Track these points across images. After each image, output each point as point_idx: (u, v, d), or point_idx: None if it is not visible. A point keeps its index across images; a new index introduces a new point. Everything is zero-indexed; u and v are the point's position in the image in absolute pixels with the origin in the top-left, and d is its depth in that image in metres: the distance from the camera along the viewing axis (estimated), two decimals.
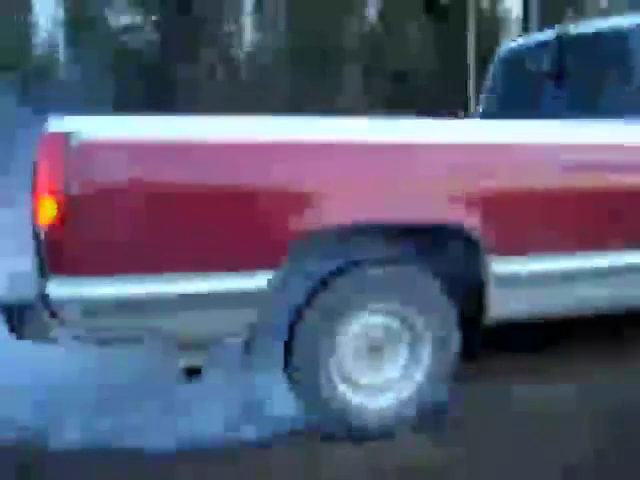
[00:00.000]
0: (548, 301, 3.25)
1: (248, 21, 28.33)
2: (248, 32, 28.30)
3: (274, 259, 2.71)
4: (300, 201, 2.76)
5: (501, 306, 3.09)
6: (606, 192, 3.29)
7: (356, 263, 2.92)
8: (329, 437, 2.91)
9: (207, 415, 3.08)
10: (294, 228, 2.73)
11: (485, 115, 4.79)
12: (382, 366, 3.01)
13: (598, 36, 4.01)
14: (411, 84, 22.74)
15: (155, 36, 25.09)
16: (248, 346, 2.86)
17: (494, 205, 3.01)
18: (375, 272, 2.92)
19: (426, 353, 3.01)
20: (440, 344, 3.01)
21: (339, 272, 2.89)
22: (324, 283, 2.87)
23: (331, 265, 2.90)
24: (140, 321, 2.65)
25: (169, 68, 22.11)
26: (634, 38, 3.68)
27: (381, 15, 25.17)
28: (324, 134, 2.82)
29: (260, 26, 27.38)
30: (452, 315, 3.02)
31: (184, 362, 2.80)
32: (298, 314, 2.86)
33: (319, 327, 2.84)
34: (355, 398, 2.96)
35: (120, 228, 2.58)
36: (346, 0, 24.17)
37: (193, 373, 2.85)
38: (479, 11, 26.27)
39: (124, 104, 15.38)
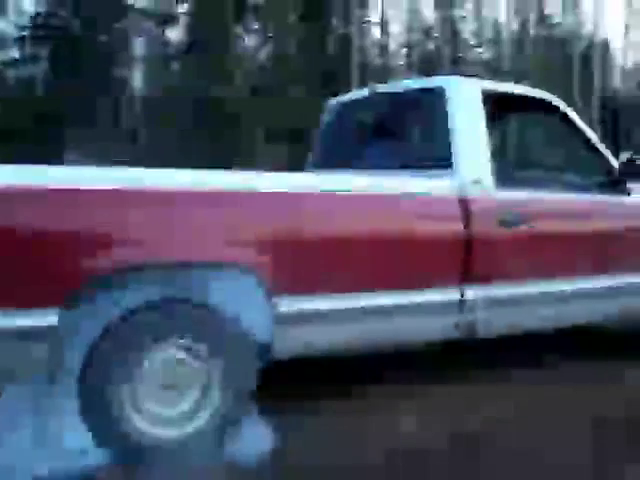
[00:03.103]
0: (331, 337, 3.49)
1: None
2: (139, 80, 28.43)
3: (65, 297, 2.83)
4: (90, 243, 2.91)
5: (284, 342, 3.29)
6: (373, 239, 3.58)
7: (147, 301, 3.05)
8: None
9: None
10: (86, 268, 2.87)
11: (313, 166, 5.07)
12: (175, 399, 3.12)
13: (389, 96, 4.40)
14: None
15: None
16: (51, 378, 2.94)
17: (273, 247, 3.24)
18: (165, 310, 3.08)
19: (216, 387, 3.15)
20: (231, 379, 3.15)
21: (131, 310, 3.01)
22: (119, 319, 2.99)
23: (124, 303, 3.02)
24: None
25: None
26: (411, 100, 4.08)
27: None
28: (111, 183, 2.99)
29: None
30: (245, 351, 3.19)
31: None
32: (92, 350, 2.96)
33: (112, 362, 2.95)
34: (148, 429, 3.06)
35: None
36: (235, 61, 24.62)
37: None
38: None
39: None
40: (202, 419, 3.15)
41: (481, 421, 3.65)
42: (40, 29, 25.26)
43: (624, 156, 4.56)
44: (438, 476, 3.12)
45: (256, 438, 3.14)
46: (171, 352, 3.10)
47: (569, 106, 4.42)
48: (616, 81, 40.27)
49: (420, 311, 3.71)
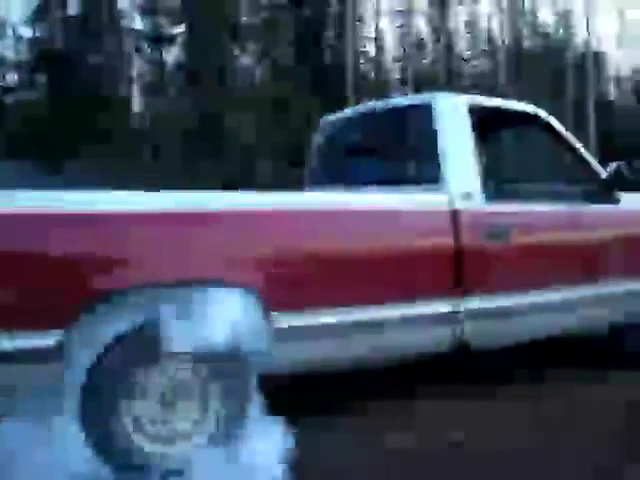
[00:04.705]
0: (324, 352, 3.56)
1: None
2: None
3: (64, 319, 2.90)
4: (87, 266, 2.98)
5: (280, 358, 3.35)
6: (366, 254, 3.67)
7: (146, 320, 3.10)
8: None
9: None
10: (84, 290, 2.95)
11: (309, 183, 5.16)
12: (175, 418, 3.16)
13: (379, 113, 4.51)
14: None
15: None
16: (52, 399, 2.99)
17: (266, 264, 3.33)
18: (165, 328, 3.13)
19: (215, 409, 3.20)
20: (231, 402, 3.21)
21: (130, 332, 3.06)
22: (116, 341, 3.05)
23: (121, 325, 3.06)
24: None
25: None
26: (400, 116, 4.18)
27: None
28: (99, 206, 3.07)
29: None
30: (244, 374, 3.23)
31: None
32: (91, 370, 3.00)
33: (112, 381, 3.00)
34: (149, 447, 3.10)
35: None
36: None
37: None
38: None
39: None
40: (203, 436, 3.18)
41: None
42: (37, 53, 25.45)
43: (612, 166, 4.65)
44: None
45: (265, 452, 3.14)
46: (170, 371, 3.15)
47: (563, 116, 4.51)
48: (610, 89, 40.53)
49: (413, 324, 3.77)
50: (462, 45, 37.78)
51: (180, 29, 27.72)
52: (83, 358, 3.00)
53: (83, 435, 2.99)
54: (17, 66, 26.44)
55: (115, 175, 14.98)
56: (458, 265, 3.88)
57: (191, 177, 16.29)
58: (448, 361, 4.28)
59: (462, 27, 38.04)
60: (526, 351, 4.68)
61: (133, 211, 3.13)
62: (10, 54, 27.21)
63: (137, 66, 28.59)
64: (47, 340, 2.86)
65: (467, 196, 4.01)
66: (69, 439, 3.00)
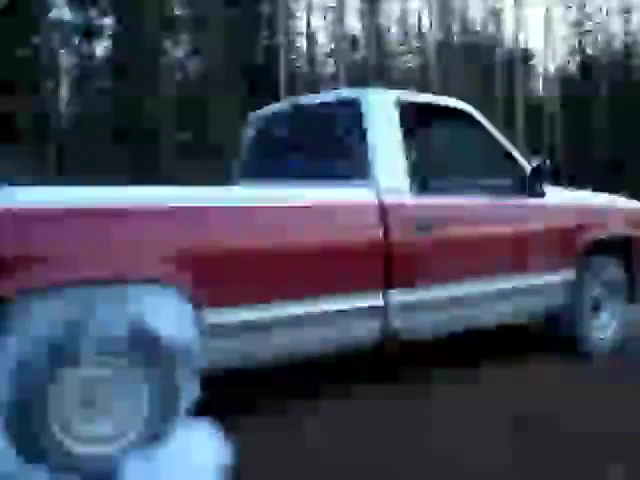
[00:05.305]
0: (259, 348, 3.59)
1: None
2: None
3: None
4: (12, 259, 2.92)
5: (211, 354, 3.34)
6: (295, 248, 3.69)
7: (69, 319, 3.02)
8: None
9: None
10: (8, 284, 2.88)
11: (239, 178, 5.14)
12: (104, 419, 3.09)
13: (308, 109, 4.53)
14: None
15: None
16: None
17: (195, 261, 3.30)
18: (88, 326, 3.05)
19: (146, 404, 3.15)
20: (160, 394, 3.16)
21: (55, 327, 2.98)
22: (42, 337, 2.96)
23: (46, 320, 2.97)
24: None
25: None
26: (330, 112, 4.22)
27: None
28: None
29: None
30: (172, 365, 3.17)
31: None
32: (20, 367, 2.92)
33: (35, 379, 2.93)
34: (78, 449, 3.03)
35: None
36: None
37: None
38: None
39: None
40: (132, 435, 3.13)
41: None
42: None
43: (535, 161, 4.78)
44: None
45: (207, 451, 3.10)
46: (95, 368, 3.08)
47: (491, 113, 4.61)
48: (538, 88, 41.48)
49: (346, 317, 3.81)
50: (393, 41, 38.13)
51: (109, 21, 27.31)
52: (6, 358, 2.92)
53: (8, 438, 2.91)
54: None
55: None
56: (387, 258, 3.92)
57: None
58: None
59: (393, 23, 38.43)
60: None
61: (56, 207, 3.06)
62: None
63: (66, 60, 28.01)
64: None
65: (395, 190, 4.06)
66: None
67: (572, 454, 3.39)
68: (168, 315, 3.18)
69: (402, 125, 4.23)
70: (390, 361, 4.78)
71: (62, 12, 27.04)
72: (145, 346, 3.10)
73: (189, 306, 3.24)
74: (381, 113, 4.20)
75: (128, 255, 3.15)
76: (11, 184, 3.14)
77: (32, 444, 2.93)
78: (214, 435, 3.08)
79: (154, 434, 3.14)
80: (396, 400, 4.12)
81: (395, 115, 4.23)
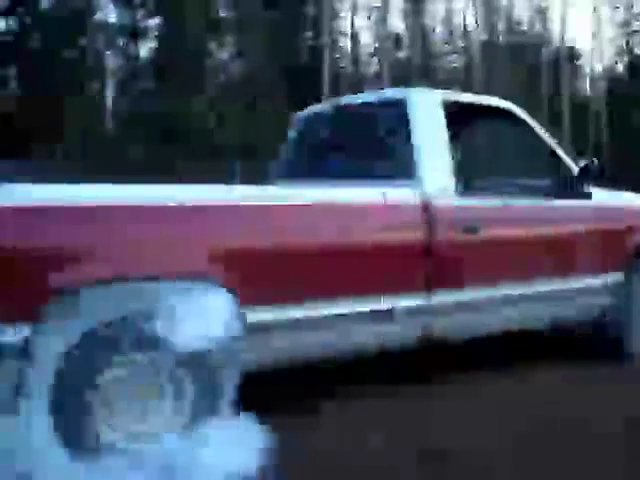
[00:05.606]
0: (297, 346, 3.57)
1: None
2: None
3: (31, 316, 2.84)
4: (54, 260, 2.92)
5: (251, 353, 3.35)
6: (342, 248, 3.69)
7: (115, 316, 3.06)
8: None
9: None
10: (52, 285, 2.89)
11: (279, 179, 5.14)
12: (147, 416, 3.12)
13: (353, 109, 4.52)
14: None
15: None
16: (17, 391, 2.95)
17: (240, 259, 3.31)
18: (132, 324, 3.08)
19: (188, 404, 3.17)
20: (204, 395, 3.19)
21: (100, 325, 3.01)
22: (87, 335, 3.00)
23: (92, 318, 3.02)
24: None
25: None
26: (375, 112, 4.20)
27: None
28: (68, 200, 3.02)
29: None
30: (219, 371, 3.20)
31: None
32: (60, 367, 2.94)
33: (82, 377, 2.96)
34: (121, 444, 3.04)
35: None
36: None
37: None
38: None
39: None
40: (176, 433, 3.12)
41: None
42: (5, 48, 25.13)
43: (582, 161, 4.71)
44: None
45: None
46: (138, 366, 3.10)
47: (538, 112, 4.56)
48: (584, 88, 40.88)
49: (387, 318, 3.79)
50: (438, 40, 37.93)
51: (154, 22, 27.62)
52: (51, 355, 2.94)
53: (54, 432, 2.94)
54: None
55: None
56: (432, 259, 3.90)
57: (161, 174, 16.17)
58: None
59: (438, 23, 38.23)
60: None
61: (101, 203, 3.08)
62: None
63: (111, 61, 28.39)
64: (14, 336, 2.81)
65: (441, 191, 4.03)
66: (39, 437, 2.95)
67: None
68: (217, 314, 3.19)
69: (447, 125, 4.21)
70: (421, 363, 4.74)
71: (107, 13, 27.49)
72: (192, 344, 3.08)
73: (235, 305, 3.24)
74: (426, 113, 4.17)
75: (178, 253, 3.17)
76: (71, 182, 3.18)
77: (80, 440, 2.96)
78: (255, 433, 3.07)
79: (196, 432, 3.13)
80: (438, 400, 4.10)
81: (440, 115, 4.21)
